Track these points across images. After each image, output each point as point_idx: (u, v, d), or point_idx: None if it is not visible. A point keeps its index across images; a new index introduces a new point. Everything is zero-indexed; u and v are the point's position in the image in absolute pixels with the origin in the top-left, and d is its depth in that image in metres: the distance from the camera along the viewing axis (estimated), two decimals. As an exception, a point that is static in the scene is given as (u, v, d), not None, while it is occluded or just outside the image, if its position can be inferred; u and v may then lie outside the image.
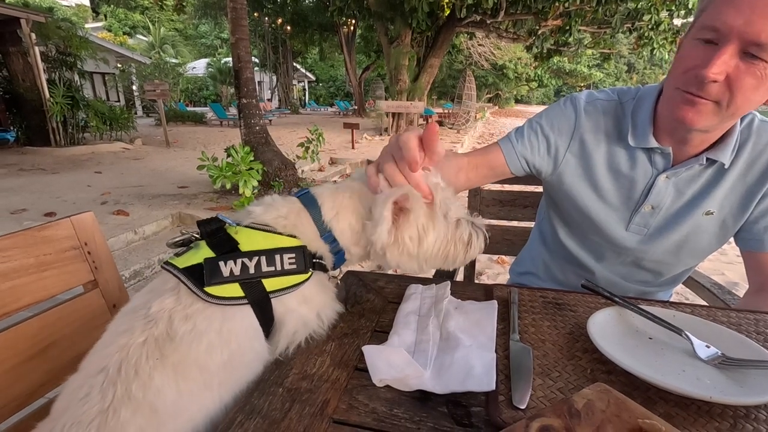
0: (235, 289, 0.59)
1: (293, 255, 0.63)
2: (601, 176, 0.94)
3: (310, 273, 0.65)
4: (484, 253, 1.47)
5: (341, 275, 0.78)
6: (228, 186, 4.05)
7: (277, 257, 0.62)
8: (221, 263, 0.59)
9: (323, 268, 0.70)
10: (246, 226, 0.65)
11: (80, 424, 0.49)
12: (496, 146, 0.99)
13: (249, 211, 0.68)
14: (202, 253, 0.61)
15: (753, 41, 0.64)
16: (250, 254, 0.61)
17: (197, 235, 0.65)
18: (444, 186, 0.70)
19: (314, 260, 0.67)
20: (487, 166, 1.00)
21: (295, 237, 0.66)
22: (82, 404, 0.50)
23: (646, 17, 8.55)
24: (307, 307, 0.66)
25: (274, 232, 0.65)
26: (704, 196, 0.88)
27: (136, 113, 13.77)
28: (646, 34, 9.19)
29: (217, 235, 0.63)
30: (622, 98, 0.94)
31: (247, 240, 0.63)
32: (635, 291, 1.03)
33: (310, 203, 0.69)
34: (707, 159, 0.84)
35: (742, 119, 0.84)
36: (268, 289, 0.61)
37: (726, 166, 0.84)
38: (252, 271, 0.60)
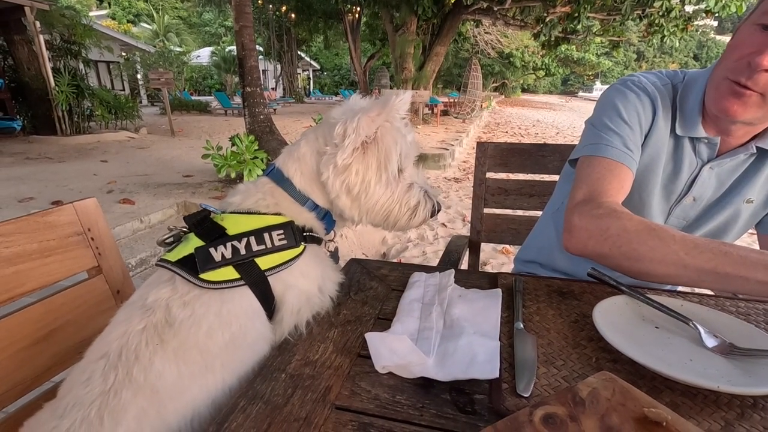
0: (229, 272, 0.60)
1: (281, 231, 0.64)
2: (660, 166, 0.88)
3: (302, 247, 0.66)
4: (488, 242, 1.47)
5: (345, 256, 0.79)
6: (233, 175, 4.05)
7: (266, 235, 0.63)
8: (212, 249, 0.61)
9: (316, 241, 0.71)
10: (231, 212, 0.67)
11: (81, 404, 0.50)
12: (620, 167, 0.81)
13: (229, 203, 0.70)
14: (192, 243, 0.62)
15: None
16: (239, 236, 0.62)
17: (186, 230, 0.66)
18: (411, 140, 0.70)
19: (305, 233, 0.68)
20: (626, 192, 0.84)
21: (280, 214, 0.67)
22: (84, 387, 0.52)
23: (657, 4, 8.35)
24: (306, 280, 0.67)
25: (259, 213, 0.66)
26: (745, 184, 0.85)
27: (140, 102, 13.77)
28: (656, 21, 8.99)
29: (203, 224, 0.65)
30: (674, 81, 0.88)
31: (234, 224, 0.64)
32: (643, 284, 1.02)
33: (280, 178, 0.70)
34: (757, 148, 0.80)
35: None
36: (263, 267, 0.62)
37: None
38: (243, 252, 0.61)
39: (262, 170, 4.12)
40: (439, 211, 0.74)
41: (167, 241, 0.66)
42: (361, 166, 0.65)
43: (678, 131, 0.84)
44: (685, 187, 0.88)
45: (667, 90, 0.87)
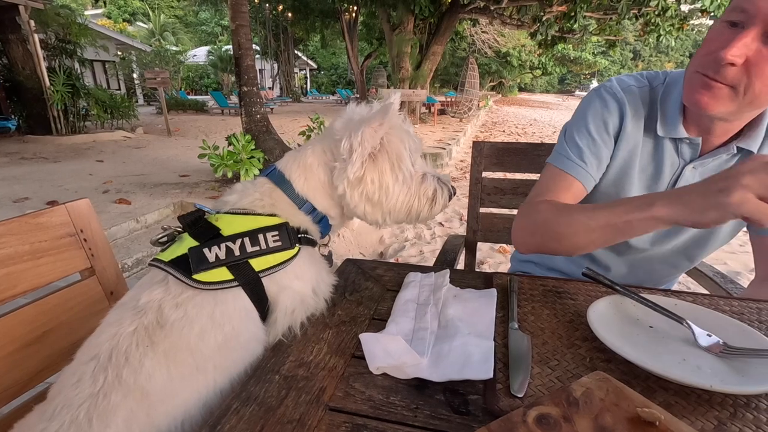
0: (223, 273, 0.60)
1: (276, 233, 0.64)
2: (634, 168, 0.89)
3: (297, 249, 0.66)
4: (485, 241, 1.47)
5: (332, 249, 0.79)
6: (229, 175, 4.04)
7: (261, 237, 0.63)
8: (206, 250, 0.60)
9: (311, 243, 0.71)
10: (226, 213, 0.67)
11: (71, 406, 0.50)
12: (568, 177, 0.88)
13: (225, 201, 0.70)
14: (186, 243, 0.62)
15: None
16: (233, 237, 0.62)
17: (180, 230, 0.66)
18: (413, 135, 0.71)
19: (300, 235, 0.68)
20: (574, 199, 0.90)
21: (275, 215, 0.67)
22: (74, 389, 0.52)
23: (653, 3, 8.35)
24: (300, 282, 0.67)
25: (254, 214, 0.66)
26: None
27: (137, 101, 13.67)
28: (652, 21, 9.01)
29: (198, 224, 0.64)
30: (653, 83, 0.89)
31: (228, 224, 0.64)
32: (648, 282, 1.02)
33: (280, 180, 0.70)
34: (738, 148, 0.80)
35: None
36: (257, 269, 0.62)
37: (754, 153, 0.81)
38: (237, 253, 0.61)
39: (259, 170, 4.12)
40: (454, 194, 0.76)
41: (161, 240, 0.66)
42: (375, 174, 0.66)
43: (659, 132, 0.85)
44: (668, 188, 0.88)
45: (643, 93, 0.88)
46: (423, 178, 0.72)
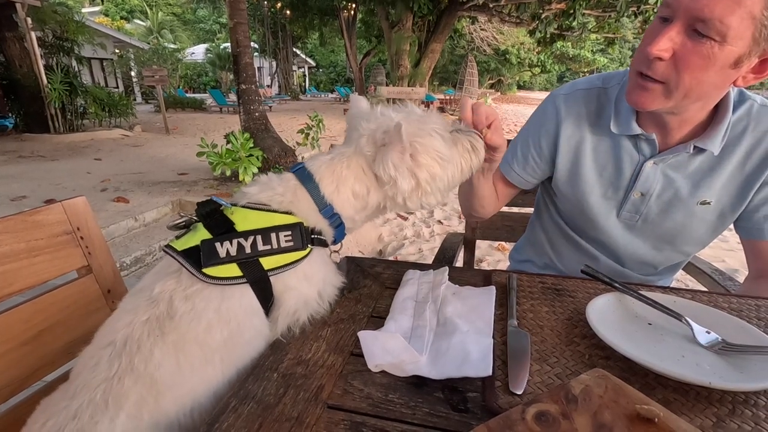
0: (233, 269, 0.60)
1: (289, 232, 0.64)
2: (588, 167, 0.92)
3: (309, 249, 0.66)
4: (483, 239, 1.47)
5: (341, 253, 0.79)
6: (228, 173, 4.03)
7: (273, 235, 0.62)
8: (218, 244, 0.60)
9: (323, 244, 0.70)
10: (242, 207, 0.66)
11: (89, 387, 0.53)
12: (500, 174, 1.05)
13: (244, 192, 0.69)
14: (200, 234, 0.62)
15: (698, 17, 0.63)
16: (246, 234, 0.62)
17: (197, 218, 0.66)
18: (431, 117, 0.72)
19: (313, 236, 0.67)
20: (507, 190, 1.08)
21: (291, 214, 0.66)
22: (92, 371, 0.55)
23: (652, 0, 8.36)
24: (308, 284, 0.67)
25: (270, 210, 0.65)
26: (698, 185, 0.85)
27: (135, 100, 13.62)
28: (651, 18, 9.01)
29: (213, 216, 0.64)
30: (607, 83, 0.91)
31: (243, 220, 0.64)
32: (638, 279, 1.02)
33: (307, 179, 0.69)
34: (695, 147, 0.81)
35: (739, 105, 0.81)
36: (266, 267, 0.62)
37: (715, 154, 0.81)
38: (248, 250, 0.61)
39: (258, 168, 4.11)
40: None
41: (179, 225, 0.66)
42: (424, 173, 0.66)
43: (613, 129, 0.87)
44: (630, 183, 0.90)
45: (590, 94, 0.92)
46: (454, 139, 0.72)
